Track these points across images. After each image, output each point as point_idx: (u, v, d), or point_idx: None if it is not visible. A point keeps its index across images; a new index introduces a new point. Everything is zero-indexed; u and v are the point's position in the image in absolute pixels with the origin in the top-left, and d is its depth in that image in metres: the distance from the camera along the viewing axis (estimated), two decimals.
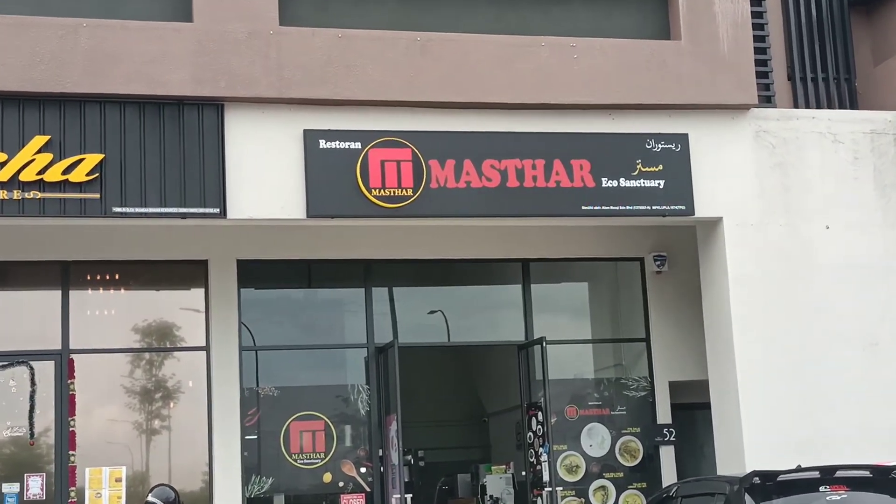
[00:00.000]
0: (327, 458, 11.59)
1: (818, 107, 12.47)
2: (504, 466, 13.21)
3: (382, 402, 11.79)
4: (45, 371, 11.03)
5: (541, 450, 11.84)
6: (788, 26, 12.66)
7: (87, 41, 9.72)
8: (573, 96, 10.72)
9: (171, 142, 9.86)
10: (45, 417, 10.97)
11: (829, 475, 7.42)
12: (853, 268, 11.13)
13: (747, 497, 7.27)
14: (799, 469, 7.59)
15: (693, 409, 12.59)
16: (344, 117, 10.29)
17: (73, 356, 11.09)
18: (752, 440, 10.64)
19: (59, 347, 11.06)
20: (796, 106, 12.36)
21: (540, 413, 11.93)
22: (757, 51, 11.48)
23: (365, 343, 11.93)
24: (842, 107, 12.62)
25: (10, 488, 10.75)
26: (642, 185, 10.80)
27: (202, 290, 11.52)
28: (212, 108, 9.99)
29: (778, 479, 7.41)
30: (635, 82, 10.83)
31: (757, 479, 7.38)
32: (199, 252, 11.45)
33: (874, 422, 10.81)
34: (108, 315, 11.42)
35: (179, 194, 9.79)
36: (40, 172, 9.53)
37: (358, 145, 10.23)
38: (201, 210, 9.84)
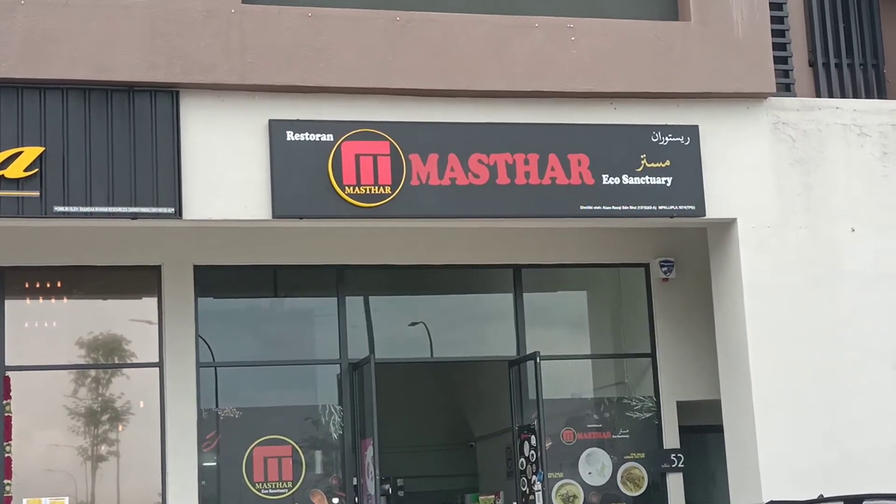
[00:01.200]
0: (295, 488, 11.51)
1: (843, 96, 12.43)
2: (493, 497, 13.16)
3: (357, 424, 11.72)
4: None
5: (534, 478, 11.80)
6: (810, 7, 12.62)
7: (24, 20, 9.61)
8: (570, 83, 10.67)
9: (120, 133, 9.77)
10: None
11: None
12: (883, 276, 11.11)
13: None
14: (821, 499, 7.55)
15: (704, 432, 12.56)
16: (314, 106, 10.21)
17: (8, 373, 10.99)
18: (769, 466, 10.59)
19: None
20: (818, 95, 12.32)
21: (533, 437, 11.88)
22: (775, 33, 11.44)
23: (338, 359, 11.88)
24: (868, 96, 12.59)
25: None
26: (647, 182, 10.76)
27: (155, 300, 11.44)
28: (166, 96, 9.90)
29: None
30: (640, 68, 10.79)
31: None
32: (151, 257, 11.37)
33: None
34: (49, 327, 11.35)
35: (129, 192, 9.71)
36: None
37: (330, 137, 10.16)
38: (154, 210, 9.76)
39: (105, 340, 11.51)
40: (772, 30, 11.26)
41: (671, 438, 12.34)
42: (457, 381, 16.62)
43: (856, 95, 12.54)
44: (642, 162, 10.81)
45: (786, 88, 11.67)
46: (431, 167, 10.35)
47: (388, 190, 10.23)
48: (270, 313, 12.36)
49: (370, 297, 12.41)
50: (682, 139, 10.92)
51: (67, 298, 11.43)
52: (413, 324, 12.62)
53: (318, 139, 10.15)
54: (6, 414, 10.94)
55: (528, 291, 12.42)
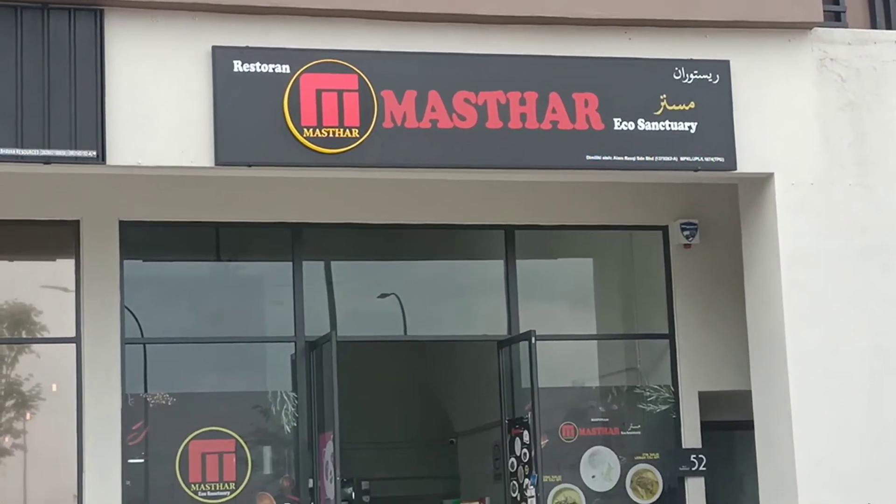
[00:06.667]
0: (238, 491, 11.58)
1: None
2: (477, 503, 13.25)
3: (314, 415, 11.79)
4: None
5: (527, 481, 11.90)
6: None
7: None
8: (577, 7, 10.69)
9: (32, 60, 9.75)
10: None
11: None
12: None
13: None
14: None
15: (730, 428, 12.67)
16: (267, 31, 10.22)
17: None
18: (806, 471, 10.70)
19: None
20: (874, 26, 12.36)
21: (526, 433, 11.97)
22: None
23: (292, 336, 11.93)
24: None
25: None
26: (667, 128, 10.82)
27: (72, 262, 11.46)
28: (87, 16, 9.89)
29: None
30: None
31: None
32: (67, 210, 11.39)
33: None
34: None
35: (41, 131, 9.71)
36: None
37: (286, 69, 10.18)
38: (72, 153, 9.77)
39: (10, 310, 11.53)
40: None
41: (691, 436, 12.44)
42: (435, 365, 16.71)
43: None
44: (662, 104, 10.85)
45: (835, 18, 11.71)
46: (408, 106, 10.37)
47: (355, 133, 10.25)
48: (211, 281, 12.38)
49: (332, 263, 12.45)
50: (709, 77, 10.96)
51: None
52: (383, 295, 12.67)
53: (271, 70, 10.16)
54: None
55: (523, 258, 12.48)
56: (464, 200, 12.08)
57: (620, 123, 10.73)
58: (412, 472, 16.53)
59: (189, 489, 11.48)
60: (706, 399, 12.50)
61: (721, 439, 12.72)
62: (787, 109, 11.14)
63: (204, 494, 11.51)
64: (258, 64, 10.14)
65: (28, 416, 11.44)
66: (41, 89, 9.75)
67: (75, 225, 11.46)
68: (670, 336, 12.57)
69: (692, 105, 10.89)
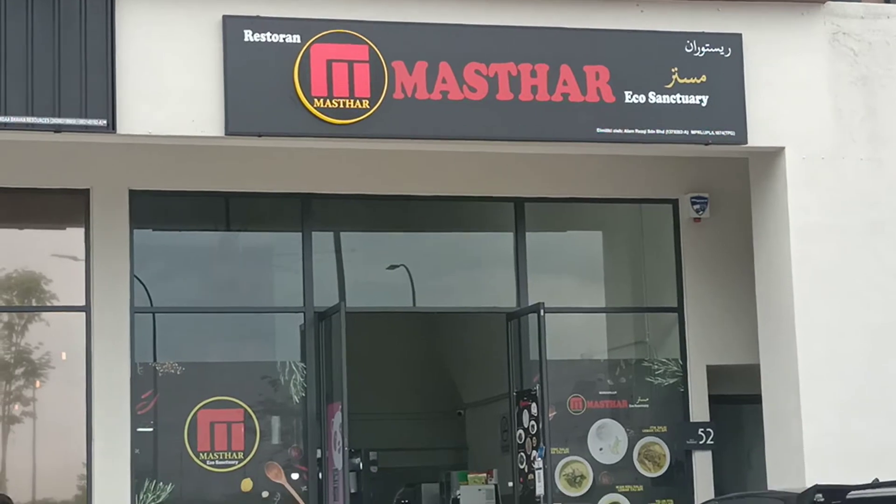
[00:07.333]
0: (247, 460, 11.63)
1: None
2: (484, 475, 13.29)
3: (323, 385, 11.82)
4: None
5: (534, 453, 11.92)
6: None
7: None
8: None
9: (43, 29, 9.75)
10: None
11: None
12: None
13: None
14: (876, 483, 7.65)
15: (738, 402, 12.67)
16: (278, 0, 10.19)
17: None
18: (814, 445, 10.72)
19: None
20: (887, 0, 12.32)
21: (534, 405, 11.99)
22: None
23: (301, 307, 11.95)
24: None
25: None
26: (679, 101, 10.80)
27: (82, 231, 11.48)
28: None
29: (848, 495, 7.47)
30: None
31: (820, 495, 7.44)
32: (78, 179, 11.40)
33: None
34: None
35: (52, 100, 9.71)
36: None
37: (297, 39, 10.17)
38: (82, 122, 9.78)
39: (20, 279, 11.54)
40: None
41: (699, 410, 12.46)
42: (444, 337, 16.74)
43: None
44: (673, 77, 10.84)
45: None
46: (419, 77, 10.36)
47: (365, 104, 10.24)
48: (221, 250, 12.40)
49: (341, 234, 12.46)
50: (721, 50, 10.94)
51: None
52: (392, 266, 12.68)
53: (281, 41, 10.15)
54: None
55: (532, 230, 12.48)
56: (474, 172, 12.07)
57: (631, 96, 10.72)
58: (420, 443, 16.57)
59: (197, 458, 11.52)
60: (714, 373, 12.51)
61: (729, 413, 12.73)
62: (799, 83, 11.11)
63: (212, 463, 11.55)
64: (269, 34, 10.13)
65: (37, 384, 11.47)
66: (52, 58, 9.75)
67: (85, 194, 11.47)
68: (679, 310, 12.58)
69: (703, 78, 10.87)
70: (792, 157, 11.05)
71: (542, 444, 11.78)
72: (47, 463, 11.36)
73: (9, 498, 9.09)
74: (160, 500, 11.42)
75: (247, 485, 11.59)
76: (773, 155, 11.15)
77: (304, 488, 11.69)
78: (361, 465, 14.23)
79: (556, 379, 12.09)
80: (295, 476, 11.71)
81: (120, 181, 11.48)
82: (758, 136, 10.99)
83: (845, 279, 10.98)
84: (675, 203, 12.66)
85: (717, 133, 10.88)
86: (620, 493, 12.34)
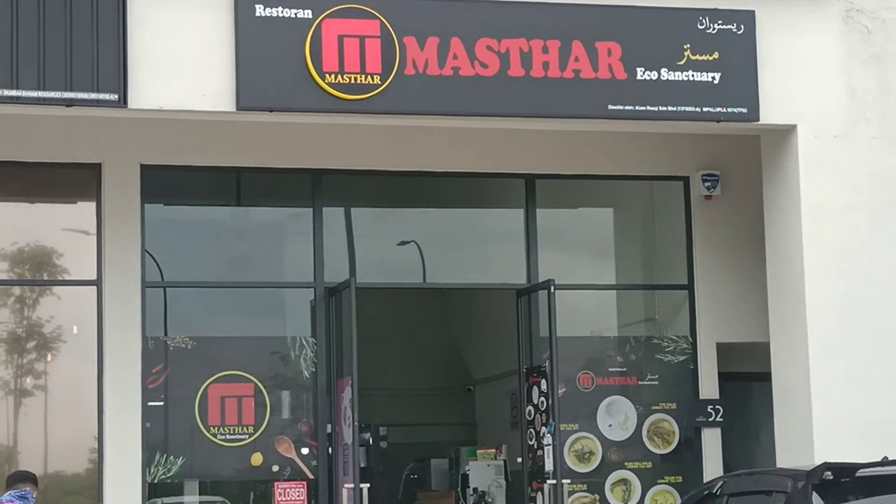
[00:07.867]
0: (257, 434, 11.66)
1: None
2: (493, 451, 13.32)
3: (333, 361, 11.84)
4: None
5: (543, 430, 11.95)
6: None
7: None
8: None
9: (54, 4, 9.75)
10: None
11: None
12: None
13: (815, 496, 7.33)
14: (885, 461, 7.65)
15: (748, 380, 12.70)
16: None
17: None
18: (823, 423, 10.74)
19: None
20: None
21: (544, 381, 12.01)
22: None
23: (312, 282, 11.96)
24: None
25: None
26: (691, 78, 10.78)
27: (93, 205, 11.49)
28: None
29: (857, 473, 7.47)
30: None
31: (829, 473, 7.43)
32: (89, 153, 11.40)
33: None
34: None
35: (64, 74, 9.72)
36: None
37: (308, 14, 10.16)
38: (93, 96, 9.79)
39: (32, 253, 11.56)
40: None
41: (709, 387, 12.46)
42: (454, 313, 16.75)
43: None
44: (685, 53, 10.82)
45: None
46: (430, 53, 10.36)
47: (377, 80, 10.24)
48: (232, 225, 12.42)
49: (352, 209, 12.46)
50: (734, 27, 10.92)
51: None
52: (403, 242, 12.68)
53: (293, 15, 10.14)
54: None
55: (543, 207, 12.48)
56: (485, 148, 12.07)
57: (643, 73, 10.70)
58: (429, 418, 16.59)
59: (208, 432, 11.56)
60: (724, 350, 12.52)
61: (738, 390, 12.75)
62: (812, 61, 11.09)
63: (223, 437, 11.58)
64: (280, 8, 10.13)
65: (49, 357, 11.51)
66: (64, 32, 9.76)
67: (97, 168, 11.48)
68: (689, 287, 12.58)
69: (716, 55, 10.85)
70: (804, 135, 11.03)
71: (551, 420, 11.80)
72: (58, 436, 11.40)
73: (35, 475, 9.09)
74: (171, 473, 11.47)
75: (257, 459, 11.63)
76: (785, 132, 11.14)
77: (314, 463, 11.73)
78: (371, 440, 14.27)
79: (565, 355, 12.10)
80: (305, 451, 11.74)
81: (131, 155, 11.49)
82: (770, 114, 10.98)
83: (856, 257, 10.97)
84: (686, 180, 12.65)
85: (729, 110, 10.86)
86: (629, 469, 12.37)
